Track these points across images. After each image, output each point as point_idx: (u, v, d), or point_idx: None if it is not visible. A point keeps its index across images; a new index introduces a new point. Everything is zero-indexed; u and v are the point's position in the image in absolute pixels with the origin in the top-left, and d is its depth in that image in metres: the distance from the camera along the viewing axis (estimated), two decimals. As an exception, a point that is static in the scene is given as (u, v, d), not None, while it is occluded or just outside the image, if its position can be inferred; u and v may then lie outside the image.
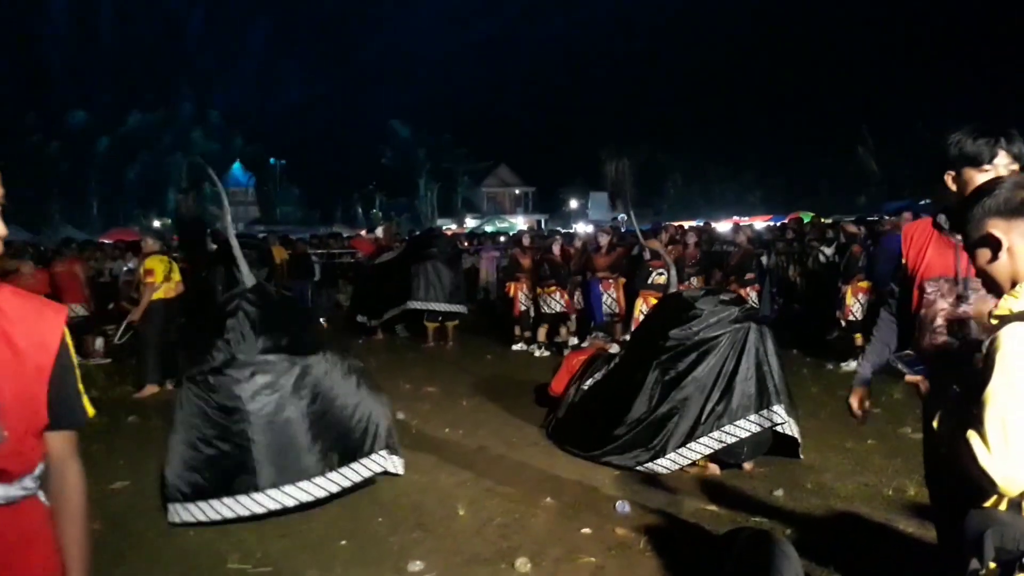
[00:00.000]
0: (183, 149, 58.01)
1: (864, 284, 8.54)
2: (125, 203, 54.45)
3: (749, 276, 10.01)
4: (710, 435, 4.92)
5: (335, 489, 4.50)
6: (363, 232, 20.23)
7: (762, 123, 54.41)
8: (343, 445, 4.63)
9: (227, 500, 4.27)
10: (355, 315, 12.10)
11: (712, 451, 4.95)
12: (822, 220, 16.20)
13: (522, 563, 3.75)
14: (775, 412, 4.96)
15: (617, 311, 9.81)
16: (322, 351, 4.78)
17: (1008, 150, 2.33)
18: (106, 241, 16.15)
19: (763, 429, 4.96)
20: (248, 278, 4.99)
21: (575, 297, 10.38)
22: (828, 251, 10.35)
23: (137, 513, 4.57)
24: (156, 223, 50.67)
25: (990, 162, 2.32)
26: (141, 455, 5.69)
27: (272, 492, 4.30)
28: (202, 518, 4.28)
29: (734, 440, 4.91)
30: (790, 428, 5.04)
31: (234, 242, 5.36)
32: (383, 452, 4.78)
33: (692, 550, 3.93)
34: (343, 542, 4.13)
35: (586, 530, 4.19)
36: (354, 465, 4.63)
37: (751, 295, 9.67)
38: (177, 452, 4.49)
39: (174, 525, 4.32)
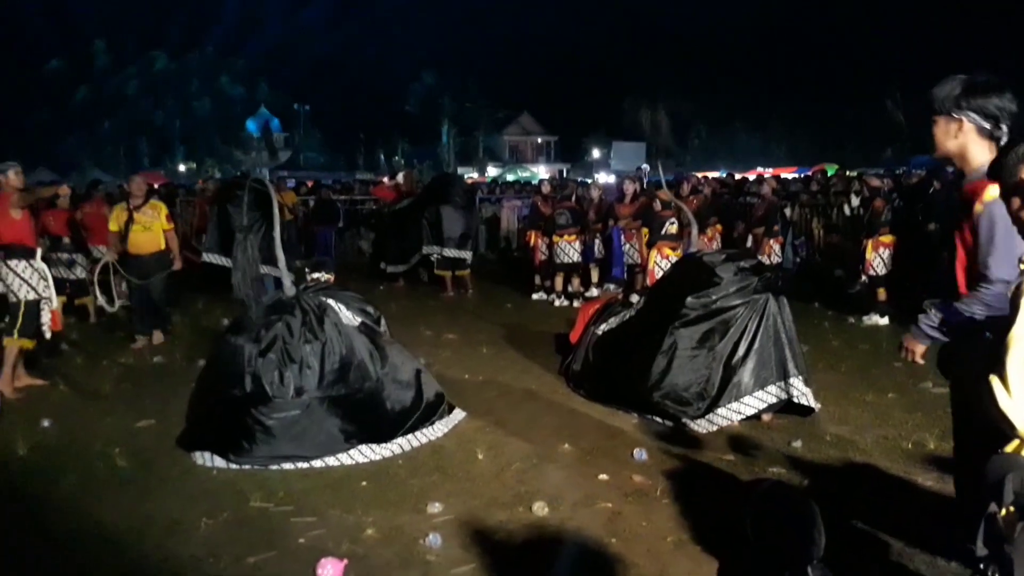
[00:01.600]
0: (209, 94, 57.79)
1: (887, 239, 8.39)
2: (152, 147, 54.58)
3: (775, 228, 9.86)
4: (728, 406, 4.92)
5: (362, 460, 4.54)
6: (384, 179, 20.07)
7: (789, 74, 52.93)
8: (372, 431, 4.66)
9: (245, 459, 4.39)
10: (379, 263, 12.11)
11: (730, 422, 4.95)
12: (847, 173, 15.88)
13: (539, 507, 3.80)
14: (792, 385, 4.94)
15: (639, 261, 9.76)
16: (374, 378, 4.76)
17: None
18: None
19: (779, 401, 4.95)
20: (289, 289, 4.94)
21: (595, 247, 10.31)
22: (854, 202, 10.16)
23: (162, 451, 4.68)
24: (181, 167, 50.89)
25: None
26: (167, 395, 5.82)
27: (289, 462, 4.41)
28: (221, 465, 4.40)
29: (752, 412, 4.92)
30: (807, 399, 5.02)
31: (280, 254, 5.10)
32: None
33: (709, 498, 3.95)
34: (364, 483, 4.20)
35: (603, 476, 4.23)
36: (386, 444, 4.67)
37: (775, 247, 9.54)
38: (200, 405, 4.61)
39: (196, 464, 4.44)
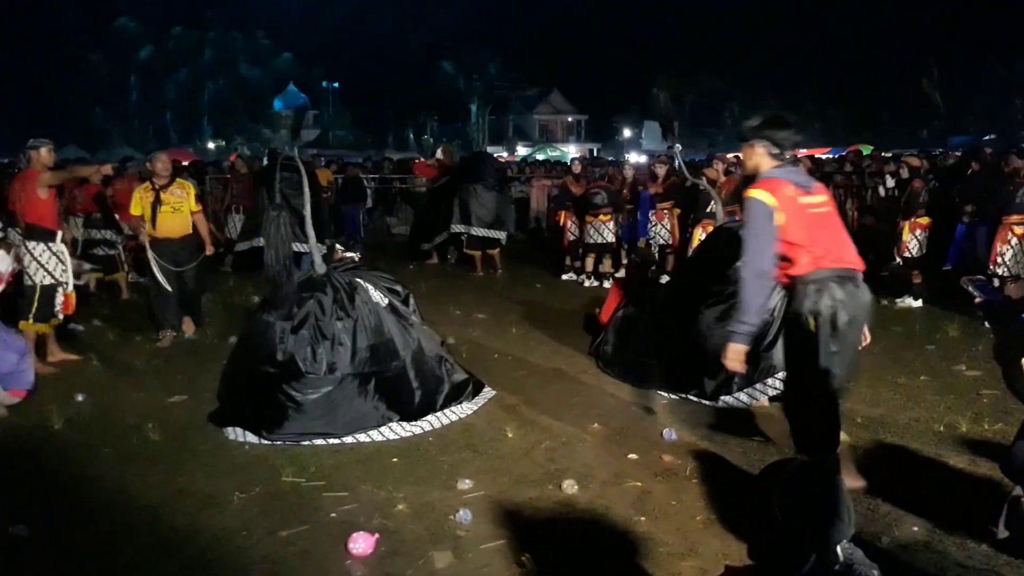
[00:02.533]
0: (238, 70, 58.07)
1: (924, 220, 8.20)
2: (181, 124, 55.08)
3: None
4: (764, 381, 4.86)
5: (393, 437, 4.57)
6: (420, 159, 19.98)
7: (824, 52, 51.80)
8: (401, 409, 4.68)
9: (277, 435, 4.45)
10: (415, 240, 12.10)
11: (766, 397, 4.91)
12: (883, 154, 15.51)
13: (569, 485, 3.80)
14: None
15: (671, 242, 9.66)
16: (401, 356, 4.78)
17: None
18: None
19: None
20: (320, 267, 4.94)
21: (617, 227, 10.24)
22: (889, 183, 9.93)
23: (194, 426, 4.75)
24: (211, 144, 51.28)
25: None
26: (198, 371, 5.89)
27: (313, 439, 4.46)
28: (253, 441, 4.45)
29: None
30: None
31: (311, 231, 5.09)
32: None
33: (739, 479, 3.92)
34: (394, 459, 4.23)
35: (633, 456, 4.22)
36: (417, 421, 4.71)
37: None
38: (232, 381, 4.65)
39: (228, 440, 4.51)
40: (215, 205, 12.50)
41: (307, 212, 5.16)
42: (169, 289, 6.69)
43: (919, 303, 8.12)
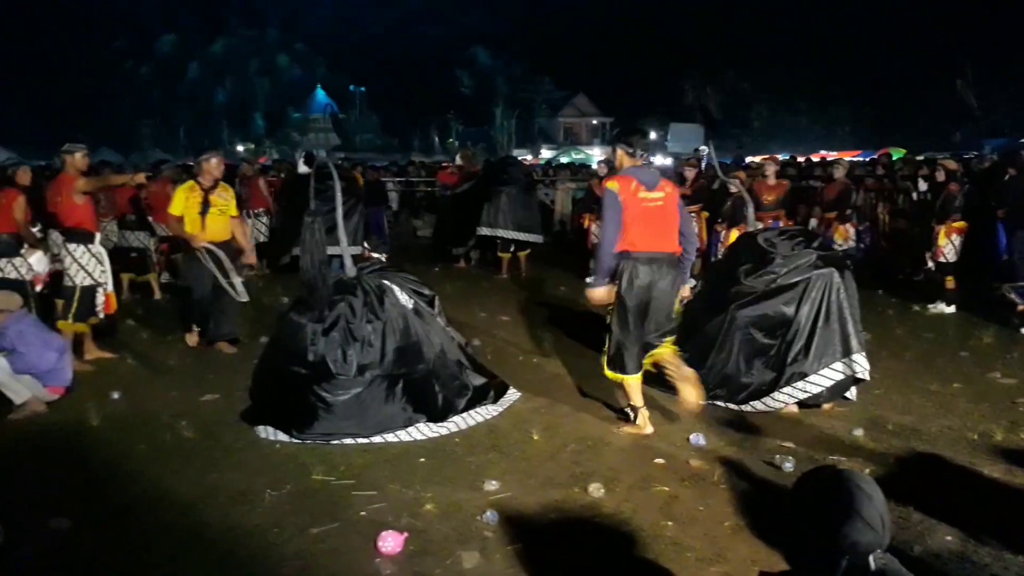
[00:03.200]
0: (268, 74, 58.83)
1: (960, 224, 8.07)
2: (212, 127, 55.91)
3: (848, 212, 9.47)
4: (793, 385, 4.82)
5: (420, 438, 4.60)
6: (447, 164, 20.02)
7: (854, 53, 51.00)
8: (427, 411, 4.73)
9: (307, 434, 4.51)
10: (442, 246, 12.15)
11: (794, 400, 4.87)
12: (916, 158, 15.27)
13: (595, 488, 3.81)
14: (856, 361, 4.81)
15: (697, 246, 9.56)
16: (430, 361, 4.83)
17: None
18: (191, 163, 16.76)
19: (845, 378, 4.83)
20: (350, 270, 5.01)
21: None
22: (922, 187, 9.78)
23: (226, 424, 4.82)
24: (240, 148, 52.02)
25: None
26: (230, 370, 5.99)
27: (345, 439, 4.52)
28: (283, 439, 4.52)
29: (819, 390, 4.82)
30: (866, 375, 4.90)
31: (342, 234, 5.10)
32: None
33: (768, 485, 3.90)
34: (421, 459, 4.27)
35: (659, 460, 4.21)
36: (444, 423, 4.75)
37: (850, 231, 9.19)
38: (263, 381, 4.71)
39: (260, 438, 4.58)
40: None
41: (339, 216, 5.22)
42: (243, 299, 6.53)
43: (952, 309, 8.00)
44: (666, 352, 4.60)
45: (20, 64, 49.80)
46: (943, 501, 3.66)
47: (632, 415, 4.68)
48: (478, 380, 5.07)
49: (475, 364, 5.25)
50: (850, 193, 9.64)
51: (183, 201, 6.34)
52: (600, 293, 4.52)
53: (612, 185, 4.39)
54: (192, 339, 6.71)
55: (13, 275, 6.11)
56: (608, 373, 4.63)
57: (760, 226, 6.72)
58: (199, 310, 6.56)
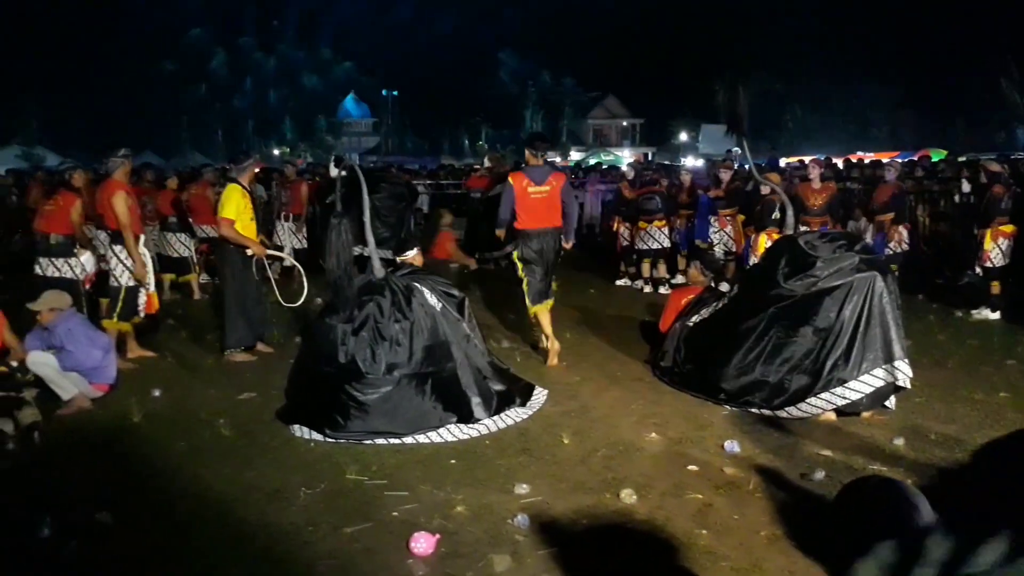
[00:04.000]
0: (303, 78, 59.65)
1: (1008, 228, 7.84)
2: (247, 131, 56.85)
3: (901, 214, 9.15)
4: (832, 391, 4.73)
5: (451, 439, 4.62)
6: (478, 166, 20.02)
7: (892, 51, 49.98)
8: (457, 410, 4.75)
9: (340, 433, 4.55)
10: (472, 251, 12.15)
11: (833, 407, 4.78)
12: (958, 159, 14.94)
13: (627, 494, 3.78)
14: (898, 368, 4.71)
15: (734, 249, 9.46)
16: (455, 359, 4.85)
17: None
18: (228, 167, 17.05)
19: (886, 384, 4.73)
20: (379, 271, 5.04)
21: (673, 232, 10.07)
22: (965, 188, 9.55)
23: (262, 423, 4.89)
24: (276, 151, 52.76)
25: None
26: (265, 369, 6.08)
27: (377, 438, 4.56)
28: (317, 439, 4.58)
29: (858, 396, 4.72)
30: (908, 383, 4.79)
31: (370, 236, 5.14)
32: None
33: (805, 494, 3.84)
34: (453, 461, 4.28)
35: (693, 467, 4.17)
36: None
37: (903, 234, 8.95)
38: (298, 381, 4.76)
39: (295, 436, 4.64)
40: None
41: (366, 218, 5.26)
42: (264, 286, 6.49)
43: (996, 315, 7.79)
44: (545, 309, 6.16)
45: (70, 72, 51.25)
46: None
47: (545, 340, 6.31)
48: (499, 386, 5.04)
49: (497, 370, 5.23)
50: (904, 196, 9.34)
51: (237, 205, 6.19)
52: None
53: (511, 178, 6.17)
54: (239, 356, 6.39)
55: (69, 275, 6.32)
56: (531, 308, 6.15)
57: (803, 230, 6.58)
58: (247, 318, 6.40)
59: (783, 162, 19.13)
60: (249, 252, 6.27)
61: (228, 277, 6.32)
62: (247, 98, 59.10)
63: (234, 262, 6.28)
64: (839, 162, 15.22)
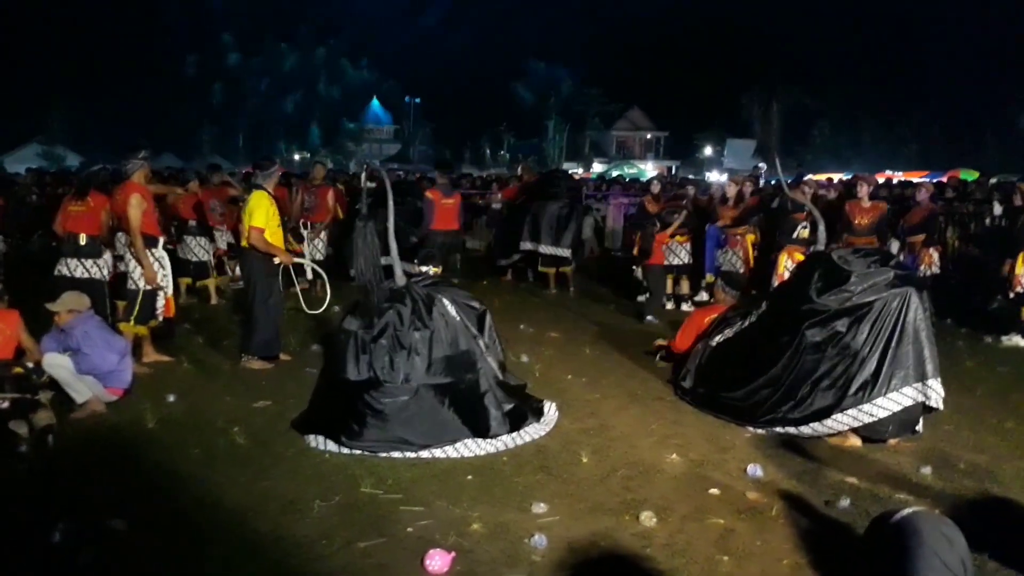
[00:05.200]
0: (326, 84, 60.12)
1: (1039, 253, 7.66)
2: (270, 136, 57.31)
3: (935, 236, 8.96)
4: (859, 407, 4.60)
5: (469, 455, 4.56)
6: (512, 176, 19.78)
7: (923, 68, 49.44)
8: (474, 423, 4.69)
9: (356, 442, 4.51)
10: (498, 258, 12.13)
11: (860, 424, 4.64)
12: (989, 181, 14.68)
13: (647, 517, 3.70)
14: (930, 387, 4.58)
15: (742, 270, 9.21)
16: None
17: None
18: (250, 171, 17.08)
19: (916, 404, 4.60)
20: (400, 279, 5.01)
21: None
22: (997, 210, 9.36)
23: (278, 432, 4.85)
24: (296, 156, 53.11)
25: None
26: (282, 377, 6.05)
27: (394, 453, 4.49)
28: (333, 449, 4.53)
29: (886, 414, 4.58)
30: (940, 403, 4.65)
31: (392, 243, 5.13)
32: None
33: (830, 523, 3.74)
34: (469, 476, 4.22)
35: (714, 491, 4.08)
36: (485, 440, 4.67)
37: (934, 256, 8.76)
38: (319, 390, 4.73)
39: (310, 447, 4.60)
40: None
41: (390, 224, 5.25)
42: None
43: (1028, 342, 7.61)
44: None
45: (93, 72, 52.05)
46: (1021, 549, 3.45)
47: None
48: (512, 404, 4.94)
49: (510, 388, 5.14)
50: (936, 217, 9.13)
51: (267, 213, 6.06)
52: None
53: (429, 194, 9.33)
54: (256, 364, 6.31)
55: (98, 275, 6.34)
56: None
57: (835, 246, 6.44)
58: (275, 328, 6.37)
59: (809, 178, 18.91)
60: (276, 261, 6.22)
61: (255, 285, 6.24)
62: (269, 102, 59.56)
63: (260, 270, 6.19)
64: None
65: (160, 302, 6.28)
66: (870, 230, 7.88)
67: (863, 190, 8.15)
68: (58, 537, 3.35)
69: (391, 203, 5.36)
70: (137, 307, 6.11)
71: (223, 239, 9.79)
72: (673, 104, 55.12)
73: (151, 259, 6.10)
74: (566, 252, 10.60)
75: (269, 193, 6.22)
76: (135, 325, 6.12)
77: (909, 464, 4.49)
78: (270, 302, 6.25)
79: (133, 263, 6.12)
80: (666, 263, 9.62)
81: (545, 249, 10.55)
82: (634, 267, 9.99)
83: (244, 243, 6.22)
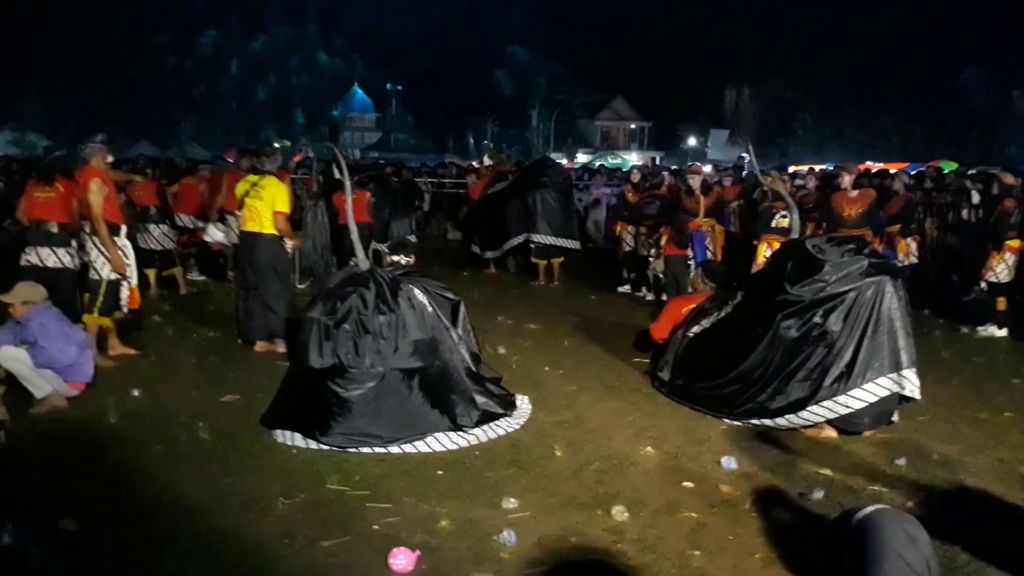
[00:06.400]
0: (306, 72, 59.38)
1: (1015, 243, 7.66)
2: (250, 123, 56.47)
3: (912, 226, 8.91)
4: (835, 399, 4.55)
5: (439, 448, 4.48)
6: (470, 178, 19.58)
7: (904, 61, 49.69)
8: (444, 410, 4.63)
9: (324, 436, 4.41)
10: (469, 245, 11.97)
11: (836, 416, 4.60)
12: (968, 172, 14.71)
13: (619, 511, 3.64)
14: (905, 378, 4.54)
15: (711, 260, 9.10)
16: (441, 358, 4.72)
17: None
18: (230, 159, 16.70)
19: (891, 395, 4.57)
20: (363, 263, 4.92)
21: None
22: (975, 200, 9.37)
23: (244, 427, 4.73)
24: (276, 144, 52.41)
25: None
26: (250, 370, 5.93)
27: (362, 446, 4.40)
28: (300, 445, 4.42)
29: (862, 405, 4.54)
30: (916, 393, 4.62)
31: (353, 226, 5.14)
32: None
33: (803, 515, 3.70)
34: (439, 472, 4.14)
35: (688, 484, 4.03)
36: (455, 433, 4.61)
37: (912, 246, 8.71)
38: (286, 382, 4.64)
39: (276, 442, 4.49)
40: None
41: (349, 206, 5.18)
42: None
43: (1003, 332, 7.64)
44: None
45: (66, 58, 50.94)
46: (992, 541, 3.43)
47: None
48: (482, 397, 4.86)
49: (482, 380, 5.02)
50: (915, 207, 9.06)
51: (288, 198, 6.36)
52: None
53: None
54: (284, 347, 6.30)
55: (70, 264, 6.11)
56: None
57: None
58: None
59: (792, 170, 18.94)
60: (289, 245, 6.36)
61: (274, 269, 6.38)
62: (248, 90, 58.47)
63: (282, 255, 6.42)
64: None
65: (124, 293, 6.11)
66: (860, 221, 7.55)
67: (846, 180, 7.84)
68: (5, 539, 3.21)
69: (347, 181, 5.26)
70: (101, 298, 5.92)
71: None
72: (657, 94, 55.12)
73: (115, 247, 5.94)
74: (574, 244, 10.47)
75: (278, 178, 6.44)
76: (99, 316, 5.95)
77: (884, 455, 4.47)
78: (287, 284, 6.50)
79: (95, 252, 5.92)
80: (644, 253, 9.53)
81: (544, 239, 10.36)
82: (649, 257, 9.46)
83: (255, 228, 6.34)
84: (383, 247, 8.32)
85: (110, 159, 6.26)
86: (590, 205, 15.63)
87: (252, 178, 6.50)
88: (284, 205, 6.26)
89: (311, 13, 61.61)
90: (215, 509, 3.63)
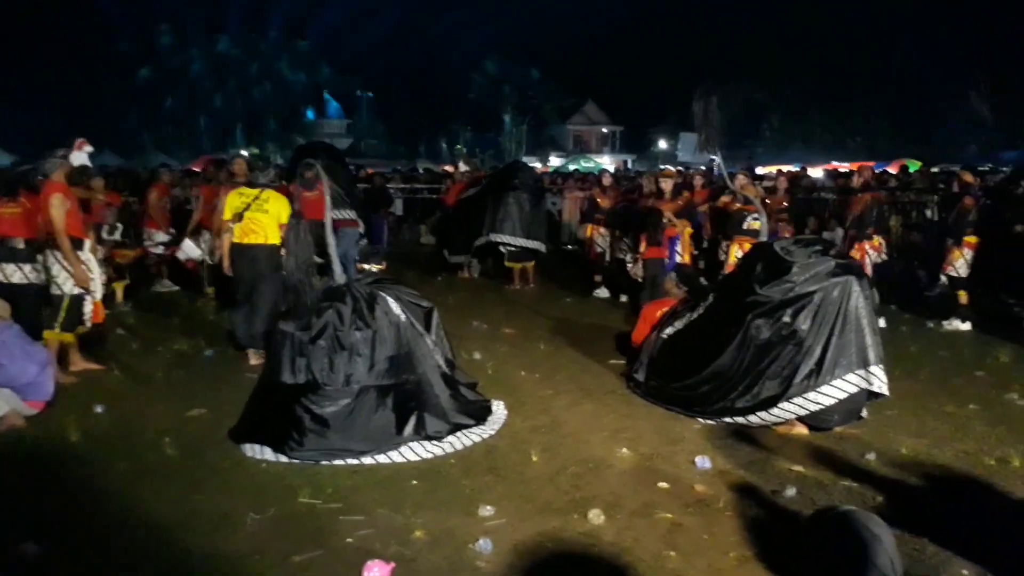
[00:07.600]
0: (271, 78, 58.73)
1: (972, 239, 7.83)
2: (215, 131, 55.65)
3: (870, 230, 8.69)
4: (804, 396, 4.60)
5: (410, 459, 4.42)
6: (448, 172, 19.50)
7: (868, 63, 50.64)
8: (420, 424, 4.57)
9: (296, 452, 4.33)
10: (441, 250, 11.89)
11: (806, 412, 4.64)
12: (931, 170, 15.02)
13: (595, 515, 3.63)
14: (873, 374, 4.59)
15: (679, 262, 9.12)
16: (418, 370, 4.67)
17: None
18: (196, 169, 16.34)
19: (860, 391, 4.62)
20: (340, 277, 4.86)
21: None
22: (935, 198, 9.54)
23: (212, 442, 4.63)
24: (244, 152, 51.74)
25: None
26: (218, 384, 5.83)
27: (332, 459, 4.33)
28: (270, 458, 4.35)
29: (832, 401, 4.58)
30: (884, 389, 4.68)
31: (331, 239, 5.06)
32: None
33: (776, 513, 3.72)
34: (414, 482, 4.09)
35: (663, 484, 4.03)
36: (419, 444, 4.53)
37: (882, 244, 8.63)
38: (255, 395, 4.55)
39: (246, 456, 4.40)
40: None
41: (327, 220, 5.10)
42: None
43: (967, 326, 7.78)
44: None
45: (22, 68, 49.80)
46: (959, 531, 3.48)
47: None
48: (456, 404, 4.82)
49: (457, 387, 4.99)
50: (881, 207, 9.03)
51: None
52: None
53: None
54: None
55: (36, 280, 5.89)
56: None
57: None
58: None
59: (760, 171, 19.16)
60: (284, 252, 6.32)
61: (271, 280, 6.27)
62: (213, 98, 57.61)
63: (279, 265, 6.23)
64: (819, 172, 15.22)
65: (88, 307, 5.97)
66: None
67: (856, 181, 8.11)
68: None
69: (328, 199, 5.20)
70: (63, 312, 5.78)
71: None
72: (628, 99, 55.47)
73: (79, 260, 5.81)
74: (540, 245, 10.44)
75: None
76: (60, 332, 5.81)
77: (854, 451, 4.52)
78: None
79: (57, 267, 5.79)
80: (620, 256, 9.54)
81: (515, 241, 10.33)
82: (626, 258, 9.44)
83: (257, 240, 6.28)
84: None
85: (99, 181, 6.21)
86: (563, 208, 15.68)
87: (251, 191, 6.37)
88: (287, 219, 6.22)
89: (276, 19, 60.99)
90: (183, 527, 3.54)
